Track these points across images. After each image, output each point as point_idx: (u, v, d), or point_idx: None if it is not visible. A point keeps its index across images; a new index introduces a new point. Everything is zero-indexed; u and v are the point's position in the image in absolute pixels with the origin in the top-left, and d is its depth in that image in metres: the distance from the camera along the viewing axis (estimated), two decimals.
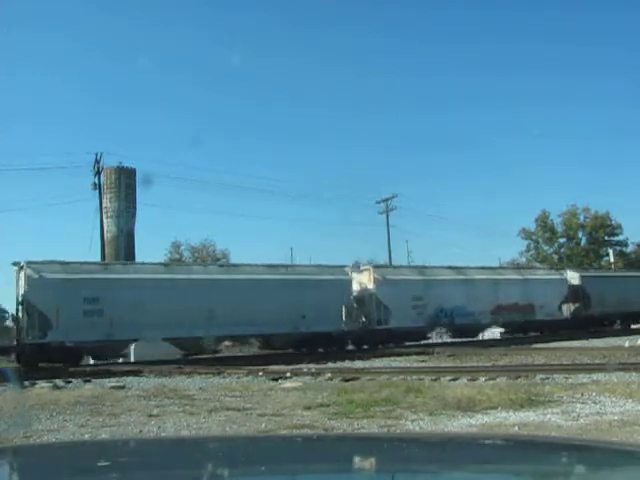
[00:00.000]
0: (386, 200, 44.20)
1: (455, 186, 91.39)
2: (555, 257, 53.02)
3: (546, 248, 53.85)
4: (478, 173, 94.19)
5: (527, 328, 29.78)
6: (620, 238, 53.28)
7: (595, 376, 11.64)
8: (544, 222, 53.00)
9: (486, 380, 11.92)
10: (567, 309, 31.09)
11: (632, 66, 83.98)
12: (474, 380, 12.11)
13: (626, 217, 79.38)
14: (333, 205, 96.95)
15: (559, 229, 53.29)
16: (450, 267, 28.75)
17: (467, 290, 27.47)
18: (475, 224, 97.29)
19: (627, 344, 20.75)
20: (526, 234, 53.64)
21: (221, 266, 26.34)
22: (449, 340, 28.73)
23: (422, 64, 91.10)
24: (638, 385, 9.96)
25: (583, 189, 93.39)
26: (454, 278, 27.67)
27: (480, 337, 29.04)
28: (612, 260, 48.22)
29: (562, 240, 53.63)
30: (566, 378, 11.64)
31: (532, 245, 54.04)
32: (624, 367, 12.55)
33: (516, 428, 6.94)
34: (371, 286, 25.23)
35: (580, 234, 53.23)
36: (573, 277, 31.93)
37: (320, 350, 22.90)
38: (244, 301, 21.54)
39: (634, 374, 11.59)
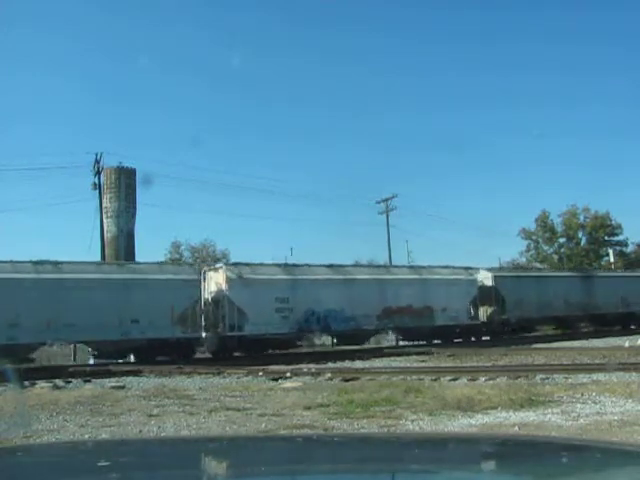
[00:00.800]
0: (386, 200, 44.16)
1: (455, 186, 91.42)
2: (555, 257, 53.03)
3: (546, 248, 53.83)
4: (478, 173, 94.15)
5: (425, 334, 26.16)
6: (620, 238, 53.24)
7: (595, 376, 11.64)
8: (544, 222, 52.97)
9: (486, 380, 11.93)
10: (483, 313, 28.05)
11: (632, 66, 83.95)
12: (474, 380, 12.11)
13: (626, 217, 79.29)
14: (333, 205, 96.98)
15: (559, 229, 53.26)
16: (327, 265, 25.09)
17: (346, 291, 23.94)
18: (475, 224, 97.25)
19: (627, 344, 20.75)
20: (526, 234, 53.61)
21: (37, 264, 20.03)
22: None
23: (422, 64, 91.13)
24: (638, 385, 9.97)
25: (583, 189, 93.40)
26: (329, 278, 24.03)
27: (368, 344, 25.79)
28: (612, 260, 48.23)
29: (562, 240, 53.60)
30: (566, 378, 11.64)
31: (532, 245, 54.00)
32: (624, 367, 12.55)
33: (516, 428, 6.94)
34: (224, 287, 22.10)
35: (580, 234, 53.20)
36: (485, 277, 28.59)
37: (160, 359, 19.97)
38: (63, 304, 18.60)
39: (634, 374, 11.59)
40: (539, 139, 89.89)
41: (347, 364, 18.07)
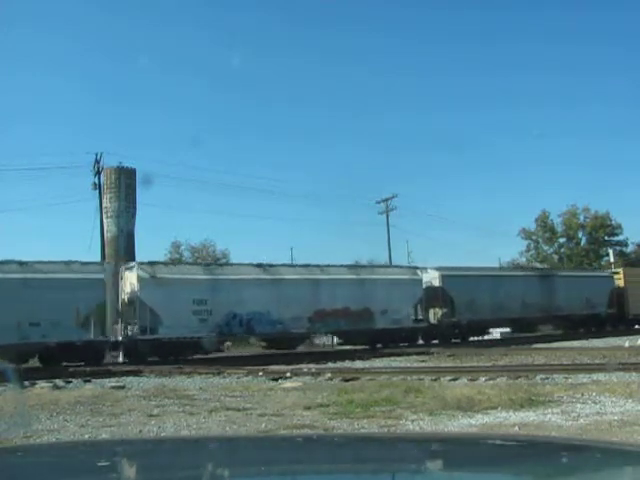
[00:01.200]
0: (386, 200, 44.18)
1: (455, 186, 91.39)
2: (555, 257, 53.04)
3: (546, 248, 53.85)
4: (478, 173, 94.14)
5: (365, 337, 24.36)
6: (620, 238, 53.28)
7: (595, 376, 11.64)
8: (544, 222, 52.99)
9: (486, 380, 11.93)
10: (434, 315, 26.41)
11: (632, 66, 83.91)
12: (474, 380, 12.11)
13: (626, 217, 79.27)
14: (333, 205, 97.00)
15: (559, 229, 53.28)
16: (255, 264, 23.61)
17: (274, 292, 22.36)
18: (475, 224, 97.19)
19: (627, 344, 20.76)
20: (526, 234, 53.64)
21: None
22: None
23: (422, 64, 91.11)
24: (638, 385, 9.97)
25: (583, 189, 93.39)
26: (254, 277, 22.50)
27: (300, 349, 24.07)
28: (612, 260, 48.24)
29: (562, 240, 53.63)
30: (566, 378, 11.64)
31: (532, 245, 54.03)
32: (624, 367, 12.56)
33: (516, 428, 6.94)
34: (137, 287, 20.72)
35: (580, 234, 53.21)
36: (433, 277, 26.67)
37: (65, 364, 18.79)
38: None
39: (634, 374, 11.59)
40: (539, 139, 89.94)
41: (347, 364, 18.08)
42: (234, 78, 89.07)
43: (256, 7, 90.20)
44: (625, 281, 32.85)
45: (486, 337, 28.76)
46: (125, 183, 35.16)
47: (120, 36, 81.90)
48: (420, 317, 25.73)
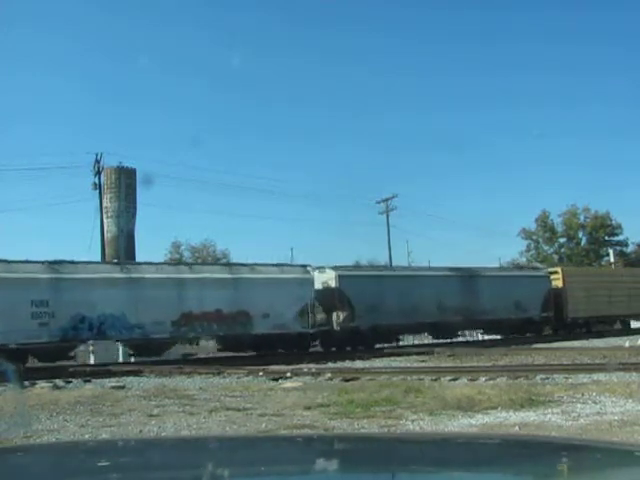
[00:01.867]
0: (386, 200, 44.22)
1: (455, 186, 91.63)
2: (555, 257, 53.03)
3: (546, 248, 53.87)
4: (478, 173, 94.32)
5: (243, 343, 22.15)
6: (620, 238, 53.30)
7: (595, 376, 11.63)
8: (544, 222, 53.00)
9: (486, 380, 11.92)
10: (336, 319, 23.38)
11: (632, 66, 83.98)
12: (474, 380, 12.10)
13: (626, 217, 79.33)
14: (333, 205, 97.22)
15: (559, 229, 53.30)
16: (112, 263, 21.55)
17: (131, 293, 20.03)
18: (475, 224, 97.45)
19: (627, 344, 20.75)
20: (526, 234, 53.66)
21: None
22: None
23: (422, 64, 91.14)
24: (638, 385, 9.96)
25: (583, 189, 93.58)
26: (106, 276, 20.08)
27: (166, 356, 21.62)
28: (612, 260, 48.23)
29: (562, 240, 53.65)
30: (566, 378, 11.63)
31: (532, 245, 54.06)
32: (624, 367, 12.54)
33: (516, 428, 6.94)
34: None
35: (580, 234, 53.23)
36: (329, 277, 23.77)
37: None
38: None
39: (634, 374, 11.58)
40: (539, 139, 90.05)
41: (347, 364, 18.08)
42: (234, 78, 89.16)
43: (256, 7, 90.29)
44: (564, 281, 29.84)
45: (402, 343, 26.06)
46: (125, 183, 35.17)
47: (120, 36, 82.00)
48: (312, 321, 22.66)
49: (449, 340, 26.54)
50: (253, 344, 22.17)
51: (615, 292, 30.96)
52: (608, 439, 5.59)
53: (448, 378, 12.54)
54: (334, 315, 23.41)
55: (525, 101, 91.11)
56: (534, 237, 53.83)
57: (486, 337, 29.09)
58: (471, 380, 12.16)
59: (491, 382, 11.56)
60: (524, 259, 53.18)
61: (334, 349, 23.17)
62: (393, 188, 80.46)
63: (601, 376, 11.57)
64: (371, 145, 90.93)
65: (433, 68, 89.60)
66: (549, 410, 8.19)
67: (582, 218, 52.96)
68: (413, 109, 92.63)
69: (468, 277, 27.55)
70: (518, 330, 28.14)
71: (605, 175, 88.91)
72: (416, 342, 28.10)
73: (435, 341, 26.78)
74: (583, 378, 11.49)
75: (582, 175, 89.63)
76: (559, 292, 29.51)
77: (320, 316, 23.25)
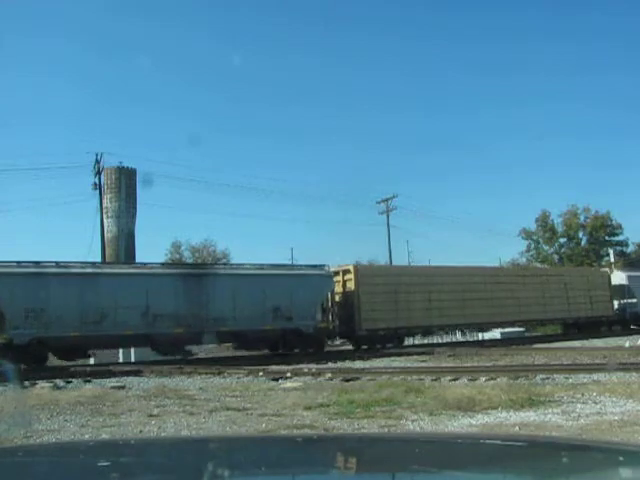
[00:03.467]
0: (386, 200, 44.23)
1: (455, 186, 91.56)
2: (555, 257, 53.04)
3: (546, 248, 53.86)
4: (478, 173, 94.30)
5: None
6: (620, 238, 53.32)
7: (595, 376, 11.63)
8: (544, 222, 53.01)
9: (486, 380, 11.92)
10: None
11: (632, 66, 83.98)
12: (474, 380, 12.10)
13: (626, 217, 79.41)
14: (333, 205, 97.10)
15: (559, 229, 53.30)
16: None
17: None
18: (475, 224, 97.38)
19: (627, 344, 20.75)
20: (526, 234, 53.66)
21: None
22: None
23: (422, 64, 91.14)
24: (638, 385, 9.96)
25: (583, 189, 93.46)
26: None
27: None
28: (612, 260, 48.23)
29: (562, 240, 53.65)
30: (566, 378, 11.63)
31: (532, 245, 54.06)
32: (624, 367, 12.54)
33: (516, 428, 6.94)
34: None
35: (580, 234, 53.23)
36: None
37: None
38: None
39: (634, 374, 11.58)
40: (539, 139, 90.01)
41: (347, 364, 18.07)
42: (234, 78, 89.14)
43: (256, 7, 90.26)
44: (357, 283, 23.92)
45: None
46: (125, 183, 35.19)
47: (120, 36, 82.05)
48: None
49: (173, 357, 19.92)
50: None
51: (443, 296, 25.57)
52: (608, 439, 5.58)
53: (448, 378, 12.54)
54: None
55: (525, 101, 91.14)
56: (534, 237, 53.84)
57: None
58: (471, 380, 12.15)
59: (491, 382, 11.55)
60: (524, 259, 53.24)
61: None
62: (393, 188, 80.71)
63: (601, 376, 11.57)
64: (371, 145, 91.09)
65: (433, 68, 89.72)
66: (549, 410, 8.19)
67: (582, 218, 52.98)
68: (413, 109, 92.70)
69: (195, 276, 21.57)
70: (283, 345, 21.99)
71: (605, 175, 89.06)
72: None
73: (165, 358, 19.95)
74: (583, 378, 11.49)
75: (582, 175, 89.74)
76: (349, 297, 23.92)
77: None
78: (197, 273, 22.30)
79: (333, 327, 23.46)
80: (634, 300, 32.80)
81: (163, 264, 21.72)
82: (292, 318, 21.69)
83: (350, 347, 24.91)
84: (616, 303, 32.70)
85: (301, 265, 24.99)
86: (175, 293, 20.17)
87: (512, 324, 30.25)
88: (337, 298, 23.93)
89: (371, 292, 24.01)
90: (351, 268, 24.71)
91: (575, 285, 31.21)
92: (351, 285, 24.04)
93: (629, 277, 33.61)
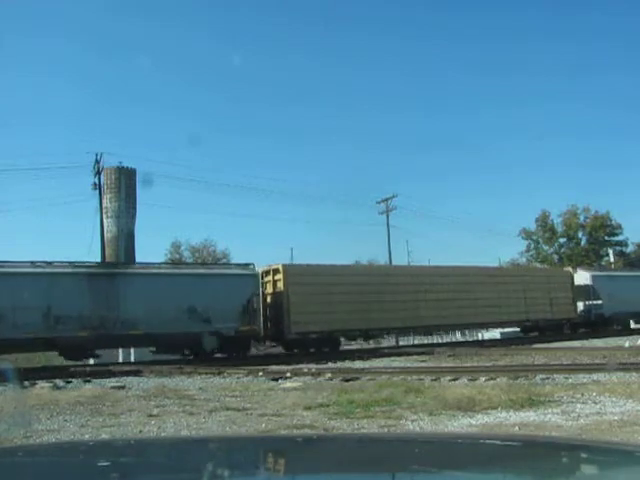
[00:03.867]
0: (386, 200, 44.17)
1: (455, 186, 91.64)
2: (555, 257, 53.06)
3: (546, 248, 53.90)
4: (478, 173, 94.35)
5: None
6: (620, 238, 53.37)
7: (595, 376, 11.63)
8: (544, 222, 53.05)
9: (486, 380, 11.92)
10: None
11: (632, 66, 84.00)
12: (474, 380, 12.10)
13: (626, 217, 79.46)
14: (333, 205, 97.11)
15: (559, 229, 53.34)
16: None
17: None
18: (475, 224, 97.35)
19: (627, 344, 20.74)
20: (526, 234, 53.70)
21: None
22: None
23: (422, 64, 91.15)
24: (638, 385, 9.95)
25: (583, 189, 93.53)
26: None
27: None
28: (612, 260, 48.26)
29: (562, 240, 53.68)
30: (566, 378, 11.63)
31: (532, 245, 54.10)
32: (624, 367, 12.53)
33: (516, 428, 6.94)
34: None
35: (580, 234, 53.27)
36: None
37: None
38: None
39: (634, 374, 11.58)
40: (539, 139, 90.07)
41: (347, 364, 18.08)
42: (234, 78, 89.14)
43: (256, 7, 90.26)
44: (286, 283, 22.59)
45: None
46: (125, 183, 35.20)
47: (120, 36, 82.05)
48: None
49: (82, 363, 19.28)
50: None
51: (386, 297, 23.95)
52: (608, 439, 5.58)
53: (448, 378, 12.54)
54: None
55: (525, 101, 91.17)
56: (534, 237, 53.88)
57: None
58: (471, 380, 12.15)
59: (491, 382, 11.55)
60: (524, 259, 53.27)
61: None
62: (393, 188, 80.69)
63: (601, 376, 11.57)
64: (371, 145, 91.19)
65: (433, 68, 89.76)
66: (549, 410, 8.19)
67: (582, 218, 53.02)
68: (413, 109, 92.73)
69: (103, 276, 20.31)
70: (205, 348, 20.54)
71: (605, 175, 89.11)
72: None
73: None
74: (583, 378, 11.49)
75: (582, 175, 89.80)
76: (279, 298, 22.62)
77: None
78: (105, 273, 20.78)
79: (258, 330, 22.06)
80: (599, 301, 31.08)
81: (71, 263, 19.59)
82: (211, 320, 20.40)
83: (282, 351, 23.12)
84: (581, 304, 31.15)
85: (222, 264, 24.12)
86: (80, 294, 18.89)
87: (466, 327, 29.00)
88: (268, 299, 22.95)
89: (303, 293, 22.53)
90: (280, 267, 23.18)
91: (534, 286, 29.40)
92: (281, 285, 22.67)
93: (593, 277, 31.97)
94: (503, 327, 31.21)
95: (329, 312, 22.52)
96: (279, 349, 23.37)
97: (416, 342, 28.57)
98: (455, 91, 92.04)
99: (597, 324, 30.70)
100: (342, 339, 24.53)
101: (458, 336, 31.42)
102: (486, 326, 30.04)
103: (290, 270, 23.20)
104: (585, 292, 31.11)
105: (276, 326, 22.58)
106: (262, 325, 22.62)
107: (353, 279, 24.31)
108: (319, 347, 22.72)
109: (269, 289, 23.05)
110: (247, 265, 22.26)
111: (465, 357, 19.06)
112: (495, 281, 28.49)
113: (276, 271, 23.07)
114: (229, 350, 20.88)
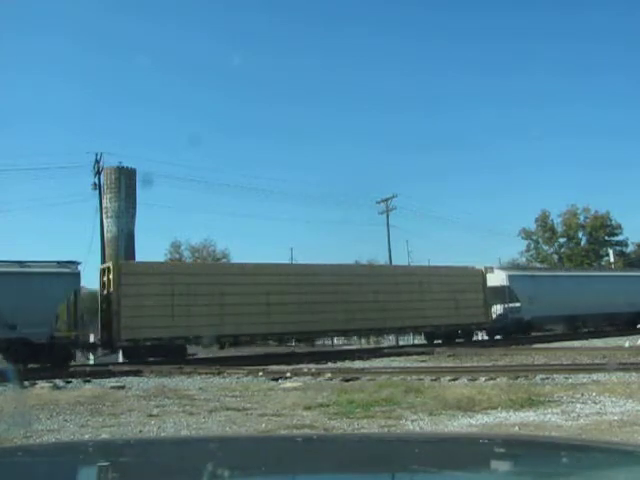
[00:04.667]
0: (386, 200, 44.17)
1: (455, 186, 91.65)
2: (555, 257, 53.07)
3: (546, 248, 53.91)
4: (478, 173, 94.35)
5: None
6: (620, 238, 53.38)
7: (595, 376, 11.63)
8: (544, 222, 53.06)
9: (486, 380, 11.92)
10: None
11: (632, 66, 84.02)
12: (474, 380, 12.10)
13: (626, 217, 79.50)
14: (333, 205, 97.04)
15: (559, 229, 53.35)
16: None
17: None
18: (475, 224, 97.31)
19: (627, 344, 20.75)
20: (526, 234, 53.71)
21: None
22: None
23: (422, 64, 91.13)
24: (638, 385, 9.96)
25: (583, 189, 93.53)
26: None
27: None
28: (612, 260, 48.25)
29: (562, 240, 53.69)
30: (566, 378, 11.63)
31: (532, 245, 54.11)
32: (624, 367, 12.54)
33: (516, 428, 6.94)
34: None
35: (580, 234, 53.27)
36: None
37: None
38: None
39: (634, 374, 11.58)
40: (539, 139, 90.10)
41: (347, 364, 18.08)
42: (234, 78, 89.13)
43: (257, 7, 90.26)
44: (116, 283, 20.06)
45: None
46: (125, 183, 35.19)
47: (120, 36, 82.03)
48: None
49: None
50: None
51: (242, 300, 21.53)
52: (608, 439, 5.58)
53: (448, 378, 12.54)
54: None
55: (525, 101, 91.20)
56: (534, 237, 53.90)
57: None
58: (471, 380, 12.15)
59: (491, 382, 11.55)
60: (524, 259, 53.27)
61: None
62: (393, 188, 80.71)
63: (601, 376, 11.57)
64: (371, 145, 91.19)
65: (433, 68, 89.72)
66: (549, 410, 8.19)
67: (582, 218, 53.03)
68: (413, 109, 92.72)
69: None
70: (15, 358, 16.08)
71: (605, 175, 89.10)
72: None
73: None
74: (583, 378, 11.49)
75: (582, 175, 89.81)
76: (110, 299, 20.19)
77: None
78: None
79: (83, 336, 19.87)
80: (517, 304, 27.79)
81: None
82: (16, 326, 17.43)
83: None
84: (497, 308, 28.02)
85: (33, 262, 19.43)
86: None
87: (343, 333, 25.70)
88: (101, 302, 20.81)
89: (137, 294, 19.92)
90: (111, 266, 20.73)
91: (434, 287, 25.75)
92: (111, 286, 20.13)
93: (510, 277, 28.43)
94: (400, 334, 28.42)
95: (171, 316, 20.19)
96: (116, 357, 21.03)
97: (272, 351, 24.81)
98: (455, 91, 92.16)
99: (516, 329, 27.70)
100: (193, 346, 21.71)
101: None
102: (368, 334, 26.55)
103: (123, 269, 20.64)
104: (500, 294, 27.71)
105: (107, 332, 20.10)
106: (100, 331, 20.50)
107: (204, 279, 21.47)
108: (156, 355, 19.99)
109: (103, 290, 20.90)
110: (66, 263, 19.43)
111: (465, 357, 19.06)
112: (378, 281, 24.85)
113: (107, 270, 20.65)
114: (44, 360, 17.96)
